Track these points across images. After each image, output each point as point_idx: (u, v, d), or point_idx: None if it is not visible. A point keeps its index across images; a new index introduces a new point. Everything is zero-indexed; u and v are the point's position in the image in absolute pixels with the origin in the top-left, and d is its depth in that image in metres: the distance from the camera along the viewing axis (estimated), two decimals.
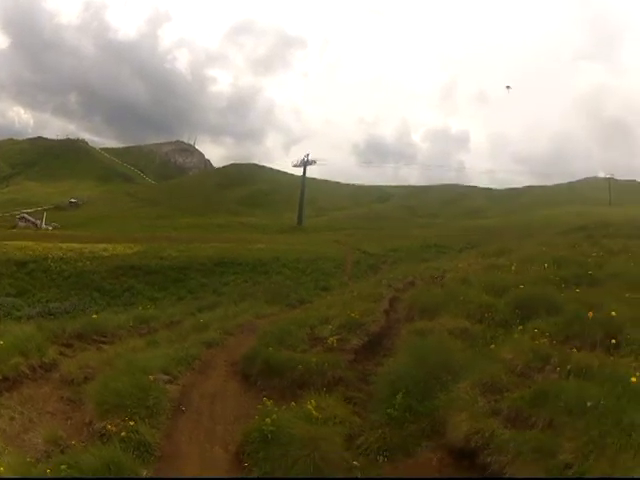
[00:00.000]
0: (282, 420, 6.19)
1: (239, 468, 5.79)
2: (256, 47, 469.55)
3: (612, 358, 6.99)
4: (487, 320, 9.44)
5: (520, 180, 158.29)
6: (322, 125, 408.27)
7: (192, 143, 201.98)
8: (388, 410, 6.43)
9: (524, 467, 5.00)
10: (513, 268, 13.73)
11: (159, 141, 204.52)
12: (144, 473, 5.64)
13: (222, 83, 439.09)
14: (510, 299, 10.09)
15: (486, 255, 18.49)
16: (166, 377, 8.08)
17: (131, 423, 6.34)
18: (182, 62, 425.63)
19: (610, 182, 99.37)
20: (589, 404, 5.49)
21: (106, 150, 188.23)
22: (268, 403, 6.80)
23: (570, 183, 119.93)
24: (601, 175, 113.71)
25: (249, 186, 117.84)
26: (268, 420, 6.11)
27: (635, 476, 4.61)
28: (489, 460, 5.31)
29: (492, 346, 8.06)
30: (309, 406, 6.64)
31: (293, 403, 7.02)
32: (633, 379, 5.92)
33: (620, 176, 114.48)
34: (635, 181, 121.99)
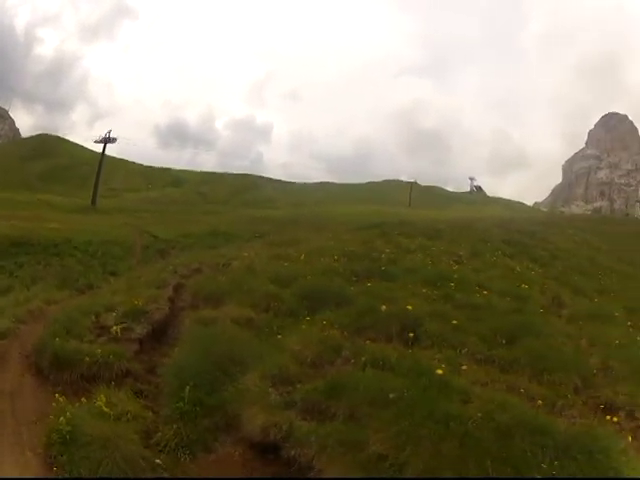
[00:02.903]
0: (76, 419, 6.75)
1: (50, 474, 6.20)
2: (92, 12, 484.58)
3: (411, 350, 8.35)
4: (273, 310, 10.77)
5: (318, 176, 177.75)
6: (130, 103, 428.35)
7: (7, 109, 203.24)
8: (179, 404, 7.19)
9: (333, 460, 5.82)
10: (302, 259, 15.76)
11: None
12: None
13: (47, 46, 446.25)
14: (297, 289, 11.65)
15: (274, 245, 21.09)
16: None
17: None
18: (21, 19, 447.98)
19: (412, 186, 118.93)
20: (392, 395, 6.51)
21: None
22: (61, 400, 7.40)
23: (370, 183, 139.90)
24: (403, 178, 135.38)
25: (50, 160, 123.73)
26: (63, 419, 6.68)
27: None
28: (293, 453, 6.17)
29: (279, 336, 9.22)
30: (99, 402, 7.32)
31: (84, 399, 7.60)
32: (439, 371, 7.18)
33: (424, 182, 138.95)
34: (437, 187, 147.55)
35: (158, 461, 6.35)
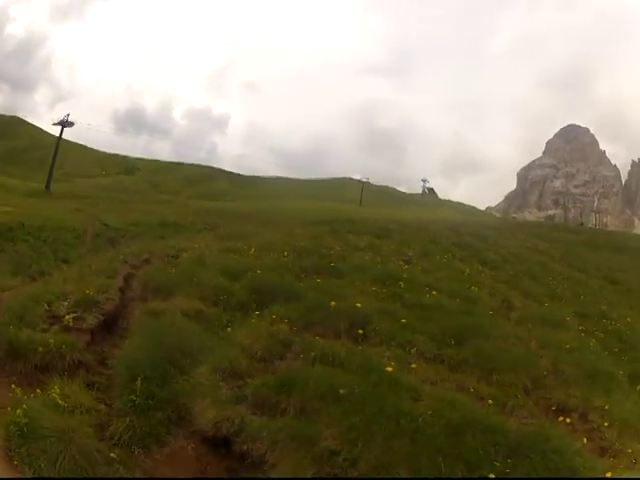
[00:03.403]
0: (32, 410, 6.71)
1: (11, 467, 6.16)
2: None
3: (361, 347, 8.56)
4: (223, 303, 10.91)
5: (272, 170, 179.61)
6: (92, 86, 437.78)
7: None
8: (130, 397, 7.21)
9: (285, 455, 5.94)
10: (252, 253, 16.00)
11: None
12: None
13: (19, 25, 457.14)
14: (247, 283, 11.80)
15: (225, 238, 21.37)
16: None
17: None
18: None
19: (364, 184, 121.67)
20: (342, 391, 6.68)
21: None
22: (17, 391, 7.30)
23: (323, 180, 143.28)
24: (356, 177, 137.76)
25: (9, 142, 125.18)
26: (19, 411, 6.64)
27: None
28: (245, 448, 6.29)
29: (229, 330, 9.35)
30: (54, 394, 7.28)
31: (38, 390, 7.55)
32: (389, 368, 7.36)
33: (377, 182, 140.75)
34: (389, 187, 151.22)
35: (113, 455, 6.38)
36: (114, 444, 6.61)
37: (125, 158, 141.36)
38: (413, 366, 8.30)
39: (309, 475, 5.73)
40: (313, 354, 8.01)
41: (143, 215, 54.80)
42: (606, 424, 8.06)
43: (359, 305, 10.14)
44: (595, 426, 8.11)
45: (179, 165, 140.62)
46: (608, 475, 6.23)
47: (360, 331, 9.34)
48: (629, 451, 7.36)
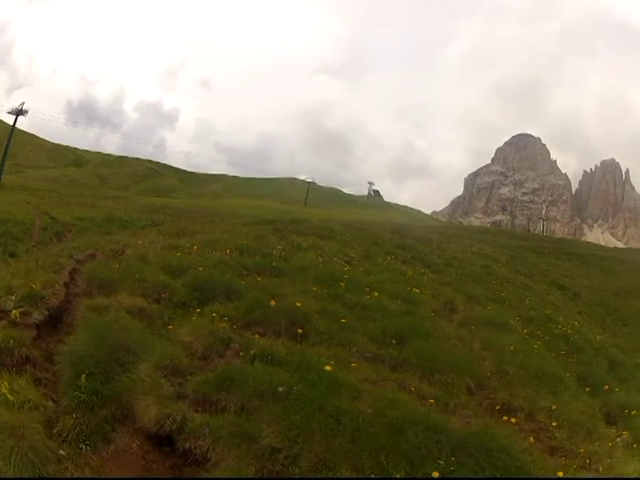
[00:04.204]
0: None
1: None
2: None
3: (300, 346, 8.75)
4: (164, 300, 11.10)
5: (219, 168, 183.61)
6: (49, 75, 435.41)
7: None
8: (76, 393, 7.27)
9: (227, 452, 6.08)
10: (194, 250, 16.24)
11: None
12: None
13: None
14: (189, 281, 12.02)
15: (169, 235, 21.52)
16: None
17: None
18: None
19: (310, 185, 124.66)
20: (281, 389, 6.85)
21: None
22: None
23: (269, 179, 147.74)
24: (302, 177, 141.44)
25: None
26: None
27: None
28: (188, 446, 6.42)
29: (170, 327, 9.55)
30: (4, 389, 7.26)
31: None
32: (328, 367, 7.49)
33: (323, 183, 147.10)
34: (335, 188, 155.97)
35: (62, 452, 6.45)
36: (62, 441, 6.68)
37: (75, 150, 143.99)
38: (353, 365, 8.50)
39: (252, 472, 5.85)
40: (253, 352, 8.20)
41: (90, 209, 55.64)
42: (554, 424, 8.33)
43: (299, 304, 10.33)
44: (543, 426, 8.36)
45: (127, 159, 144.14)
46: (560, 475, 6.48)
47: (300, 330, 9.52)
48: (581, 451, 7.60)
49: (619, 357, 16.62)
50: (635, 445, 8.54)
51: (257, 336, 9.19)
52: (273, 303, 10.20)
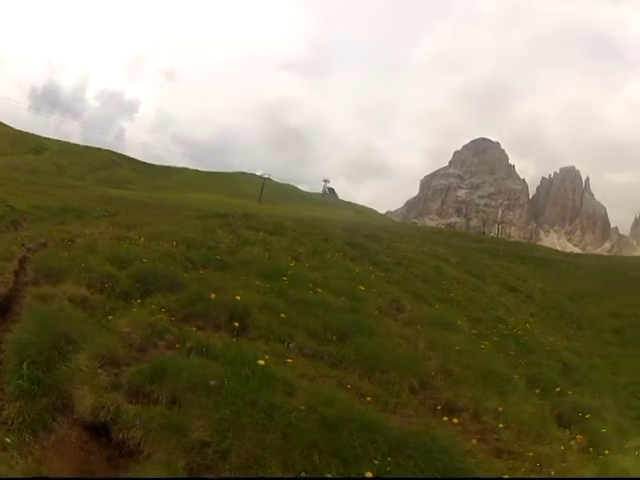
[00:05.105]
0: None
1: None
2: None
3: (237, 340, 8.70)
4: (108, 291, 11.15)
5: (176, 160, 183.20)
6: (16, 60, 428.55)
7: None
8: (19, 381, 7.26)
9: (157, 444, 6.10)
10: (142, 242, 16.23)
11: None
12: None
13: None
14: (133, 272, 12.08)
15: (119, 226, 21.41)
16: None
17: None
18: None
19: (265, 181, 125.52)
20: (213, 382, 6.85)
21: None
22: None
23: (226, 173, 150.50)
24: (259, 173, 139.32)
25: None
26: None
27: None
28: (122, 437, 6.42)
29: (110, 317, 9.57)
30: None
31: None
32: (261, 362, 7.47)
33: (279, 179, 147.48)
34: (291, 185, 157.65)
35: (8, 440, 6.47)
36: (8, 429, 6.72)
37: (37, 138, 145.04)
38: (290, 361, 8.49)
39: (181, 466, 5.85)
40: (189, 345, 8.24)
41: (47, 198, 54.89)
42: (501, 425, 8.27)
43: (239, 298, 10.30)
44: (489, 427, 8.31)
45: (86, 149, 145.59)
46: (505, 477, 6.45)
47: (237, 324, 9.49)
48: (531, 454, 7.53)
49: (573, 360, 16.89)
50: (592, 449, 8.58)
51: (195, 329, 9.19)
52: (213, 296, 10.12)
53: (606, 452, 8.52)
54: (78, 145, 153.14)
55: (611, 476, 7.37)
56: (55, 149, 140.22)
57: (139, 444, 6.25)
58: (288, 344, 9.42)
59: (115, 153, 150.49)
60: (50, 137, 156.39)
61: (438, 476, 5.97)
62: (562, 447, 8.30)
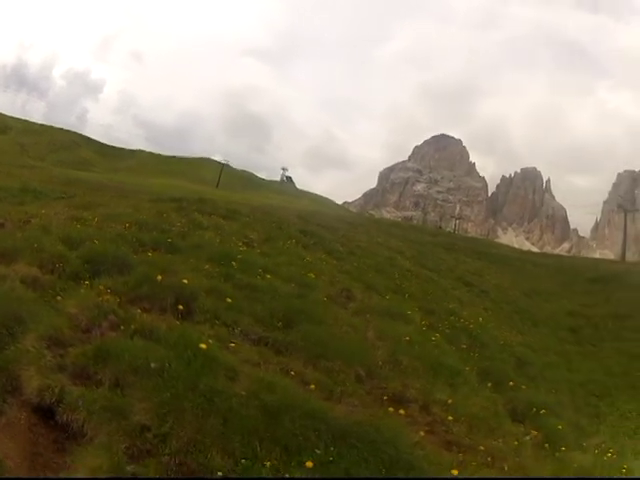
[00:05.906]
0: None
1: None
2: None
3: (181, 323, 8.74)
4: (58, 271, 11.09)
5: (137, 143, 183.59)
6: None
7: None
8: None
9: (99, 427, 6.10)
10: (95, 223, 16.28)
11: None
12: None
13: None
14: (84, 253, 12.00)
15: (74, 207, 21.67)
16: None
17: None
18: None
19: (224, 167, 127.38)
20: (153, 365, 6.85)
21: None
22: None
23: (185, 158, 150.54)
24: (217, 158, 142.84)
25: None
26: None
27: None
28: (66, 419, 6.39)
29: (59, 298, 9.49)
30: None
31: None
32: (203, 345, 7.43)
33: (238, 165, 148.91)
34: (249, 172, 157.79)
35: None
36: None
37: (2, 116, 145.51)
38: (232, 345, 8.49)
39: (122, 449, 5.85)
40: (133, 327, 8.22)
41: (7, 178, 52.70)
42: (451, 418, 8.30)
43: (186, 281, 10.27)
44: (438, 419, 8.34)
45: (49, 129, 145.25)
46: (454, 473, 6.41)
47: (181, 307, 9.48)
48: (482, 448, 7.56)
49: (528, 355, 17.12)
50: (547, 445, 8.69)
51: (141, 311, 9.15)
52: (160, 278, 10.14)
53: (563, 449, 8.62)
54: (40, 124, 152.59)
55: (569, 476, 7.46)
56: (19, 128, 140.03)
57: (82, 426, 6.25)
58: (233, 329, 9.37)
59: (76, 134, 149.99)
60: (15, 116, 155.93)
61: (383, 469, 5.97)
62: (516, 442, 8.36)
